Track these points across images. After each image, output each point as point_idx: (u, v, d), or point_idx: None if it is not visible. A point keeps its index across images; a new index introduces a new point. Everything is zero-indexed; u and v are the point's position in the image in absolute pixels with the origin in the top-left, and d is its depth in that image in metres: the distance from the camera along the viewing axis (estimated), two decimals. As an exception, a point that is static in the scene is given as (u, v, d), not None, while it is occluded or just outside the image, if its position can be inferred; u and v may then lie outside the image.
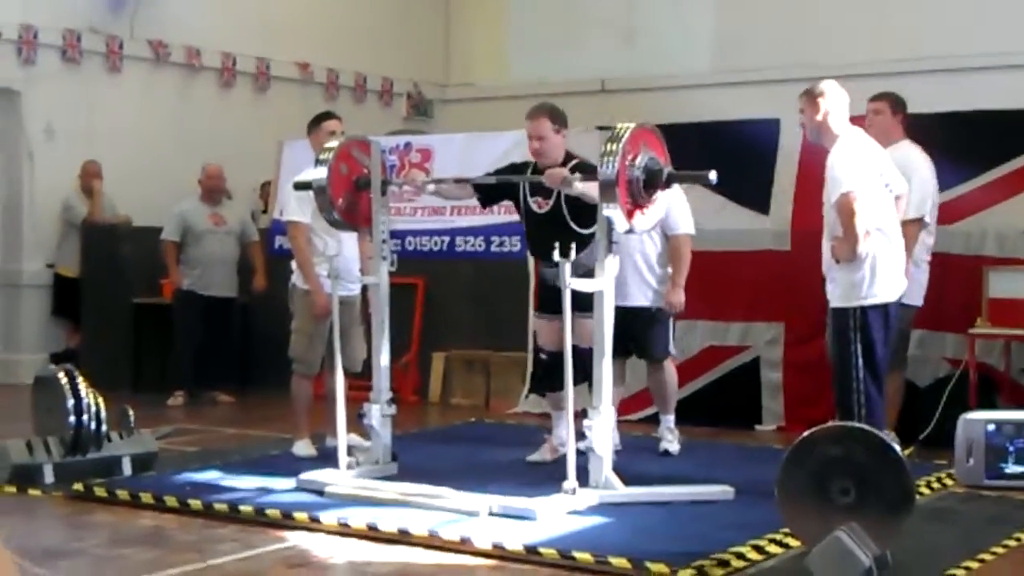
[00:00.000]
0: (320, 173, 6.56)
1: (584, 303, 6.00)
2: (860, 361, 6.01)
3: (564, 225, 6.44)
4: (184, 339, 9.99)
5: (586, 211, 6.36)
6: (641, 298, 7.11)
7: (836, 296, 6.13)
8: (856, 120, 6.88)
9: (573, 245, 5.78)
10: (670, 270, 7.19)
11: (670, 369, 7.39)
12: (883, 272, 6.05)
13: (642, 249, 7.11)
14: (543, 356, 6.95)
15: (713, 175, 5.92)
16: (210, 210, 10.10)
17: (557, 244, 5.76)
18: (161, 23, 11.92)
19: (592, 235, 6.34)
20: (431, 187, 7.04)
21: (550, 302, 6.58)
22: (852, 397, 6.00)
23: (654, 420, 7.56)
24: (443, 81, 14.87)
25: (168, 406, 9.61)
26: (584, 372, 6.13)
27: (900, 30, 12.01)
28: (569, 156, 6.62)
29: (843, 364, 6.07)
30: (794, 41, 12.33)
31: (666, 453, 7.25)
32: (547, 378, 6.93)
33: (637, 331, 7.00)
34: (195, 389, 9.93)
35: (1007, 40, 11.43)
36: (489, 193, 6.93)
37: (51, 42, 11.22)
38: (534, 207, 6.70)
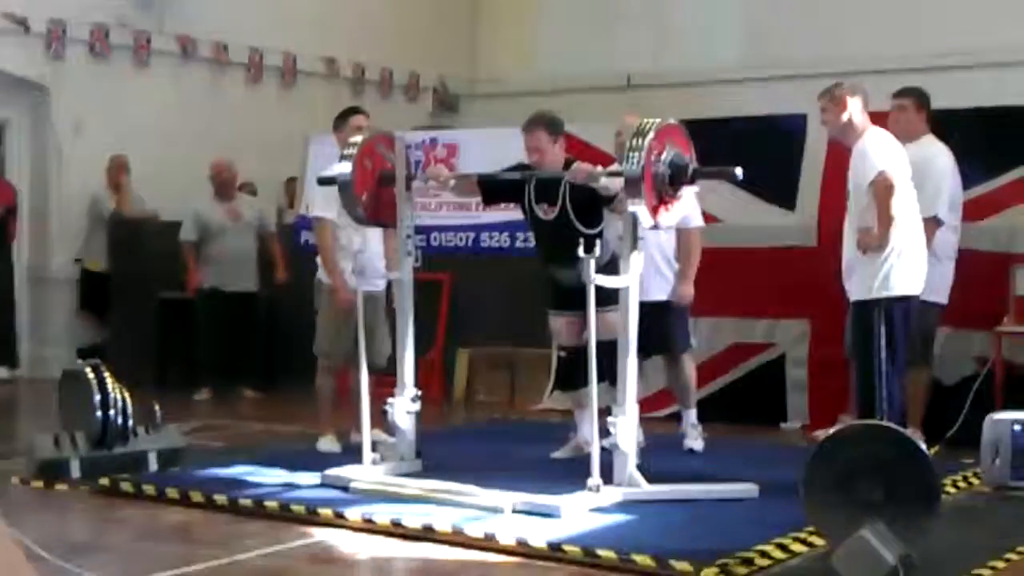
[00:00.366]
0: (344, 168, 6.56)
1: (604, 297, 5.99)
2: (883, 354, 5.99)
3: (572, 229, 6.38)
4: (209, 336, 10.02)
5: (592, 213, 6.35)
6: (660, 292, 7.09)
7: (859, 289, 6.12)
8: (880, 116, 6.86)
9: (598, 243, 5.78)
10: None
11: (689, 364, 7.37)
12: (906, 265, 6.05)
13: (659, 244, 7.08)
14: (562, 354, 6.89)
15: (739, 171, 5.90)
16: (224, 205, 10.11)
17: (582, 241, 5.77)
18: (189, 18, 11.97)
19: (599, 235, 6.33)
20: (452, 182, 6.95)
21: (565, 300, 6.60)
22: (874, 392, 5.99)
23: (677, 417, 7.53)
24: (470, 76, 14.87)
25: (195, 401, 9.65)
26: (607, 367, 6.13)
27: (929, 24, 11.93)
28: (568, 161, 6.55)
29: (866, 358, 6.06)
30: (821, 36, 12.27)
31: (691, 451, 7.23)
32: (568, 376, 6.91)
33: (657, 325, 6.91)
34: (221, 384, 9.96)
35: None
36: (493, 192, 6.85)
37: (79, 37, 11.29)
38: (540, 214, 6.62)
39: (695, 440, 7.29)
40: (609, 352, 6.01)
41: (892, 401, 5.96)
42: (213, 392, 9.89)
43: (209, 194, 10.20)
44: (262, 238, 10.26)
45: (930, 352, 7.45)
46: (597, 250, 5.83)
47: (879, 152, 6.05)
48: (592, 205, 6.36)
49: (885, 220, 5.94)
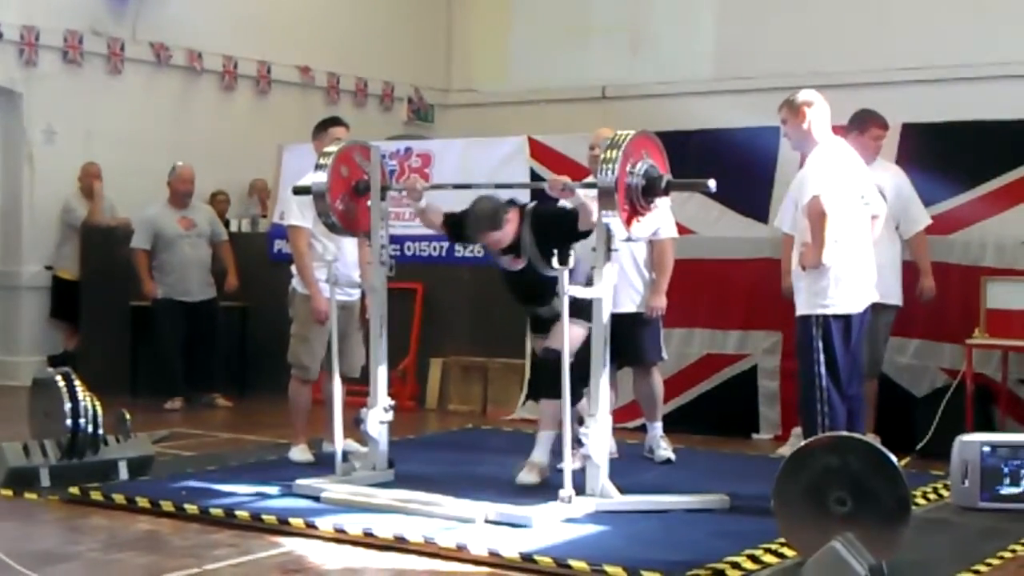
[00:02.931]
0: (319, 178, 6.55)
1: (574, 311, 6.02)
2: (822, 369, 6.02)
3: (541, 275, 6.37)
4: (169, 347, 9.96)
5: (560, 253, 6.19)
6: (630, 304, 7.07)
7: (800, 304, 6.16)
8: (837, 130, 6.88)
9: (566, 273, 5.78)
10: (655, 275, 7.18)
11: (658, 375, 7.35)
12: (847, 283, 6.06)
13: (631, 254, 7.04)
14: (551, 356, 6.66)
15: (712, 184, 5.93)
16: (179, 214, 10.04)
17: (556, 252, 5.77)
18: (162, 25, 11.93)
19: (569, 272, 6.32)
20: (423, 203, 6.71)
21: (544, 325, 6.64)
22: (816, 406, 6.02)
23: (643, 431, 7.48)
24: (444, 86, 14.88)
25: (166, 410, 9.60)
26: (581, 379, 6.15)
27: (901, 40, 12.02)
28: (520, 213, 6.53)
29: (806, 372, 6.09)
30: (795, 50, 12.34)
31: (668, 461, 7.20)
32: (551, 381, 6.57)
33: (628, 336, 6.86)
34: (192, 393, 9.91)
35: (1008, 50, 11.45)
36: (459, 234, 6.74)
37: (52, 43, 11.23)
38: (506, 265, 6.60)
39: (666, 450, 7.27)
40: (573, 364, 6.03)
41: (834, 416, 5.99)
42: (184, 402, 9.82)
43: (162, 201, 10.11)
44: (214, 245, 10.20)
45: (880, 358, 7.56)
46: (571, 261, 5.88)
47: (820, 173, 6.04)
48: (557, 244, 6.17)
49: (818, 243, 5.96)
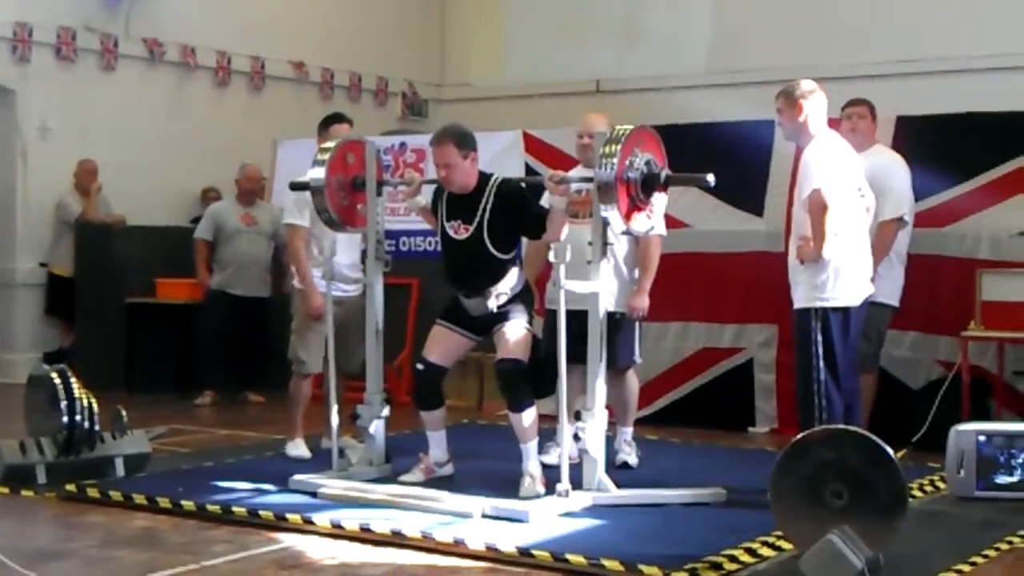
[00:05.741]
0: (318, 173, 6.53)
1: (501, 315, 6.10)
2: (821, 363, 6.03)
3: (485, 252, 6.15)
4: (214, 339, 9.96)
5: (508, 236, 6.20)
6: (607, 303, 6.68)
7: (799, 297, 6.16)
8: (833, 123, 6.88)
9: (514, 271, 5.77)
10: (636, 273, 6.85)
11: (632, 379, 7.06)
12: (846, 276, 6.06)
13: (611, 251, 6.56)
14: (419, 366, 6.42)
15: (711, 178, 5.92)
16: (243, 210, 10.06)
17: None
18: (156, 21, 11.92)
19: (511, 260, 6.23)
20: (422, 200, 6.59)
21: (459, 317, 6.37)
22: (813, 399, 6.03)
23: (638, 424, 7.29)
24: (438, 81, 14.87)
25: (196, 405, 9.62)
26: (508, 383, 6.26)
27: (896, 32, 12.02)
28: (484, 177, 6.27)
29: (804, 365, 6.09)
30: (790, 43, 12.35)
31: (625, 465, 6.89)
32: (419, 393, 6.53)
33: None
34: (225, 389, 9.90)
35: (1003, 42, 11.45)
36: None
37: (46, 40, 11.21)
38: (451, 232, 6.27)
39: (630, 455, 6.97)
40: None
41: (831, 409, 5.99)
42: (216, 396, 9.80)
43: (232, 197, 10.20)
44: (277, 246, 10.17)
45: (878, 353, 7.51)
46: (512, 278, 6.00)
47: (820, 165, 6.03)
48: (510, 228, 6.19)
49: (819, 236, 5.95)
